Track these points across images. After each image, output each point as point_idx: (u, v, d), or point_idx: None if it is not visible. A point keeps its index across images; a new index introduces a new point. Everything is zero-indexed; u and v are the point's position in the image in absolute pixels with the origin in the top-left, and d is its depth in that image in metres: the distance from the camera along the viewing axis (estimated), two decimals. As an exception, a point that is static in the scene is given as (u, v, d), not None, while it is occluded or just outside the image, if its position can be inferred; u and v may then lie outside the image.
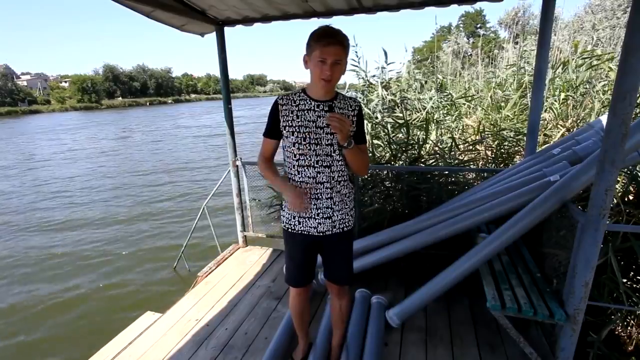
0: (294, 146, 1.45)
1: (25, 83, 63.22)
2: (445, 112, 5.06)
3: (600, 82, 4.08)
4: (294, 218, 1.55)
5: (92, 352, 2.13)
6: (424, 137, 3.60)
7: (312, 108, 1.44)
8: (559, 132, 3.79)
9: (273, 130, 1.49)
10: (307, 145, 1.43)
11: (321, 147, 1.44)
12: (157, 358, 2.03)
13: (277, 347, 1.97)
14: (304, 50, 1.41)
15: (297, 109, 1.45)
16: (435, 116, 4.84)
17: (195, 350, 2.08)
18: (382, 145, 3.95)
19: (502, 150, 3.81)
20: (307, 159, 1.45)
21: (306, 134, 1.43)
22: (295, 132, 1.43)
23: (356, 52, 4.90)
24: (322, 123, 1.43)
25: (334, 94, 1.47)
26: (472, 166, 3.44)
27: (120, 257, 5.21)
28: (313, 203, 1.50)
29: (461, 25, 36.20)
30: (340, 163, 1.49)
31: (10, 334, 3.61)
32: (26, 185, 9.88)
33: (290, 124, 1.45)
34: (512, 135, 3.96)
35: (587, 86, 4.13)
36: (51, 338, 3.54)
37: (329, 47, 1.30)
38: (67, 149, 16.13)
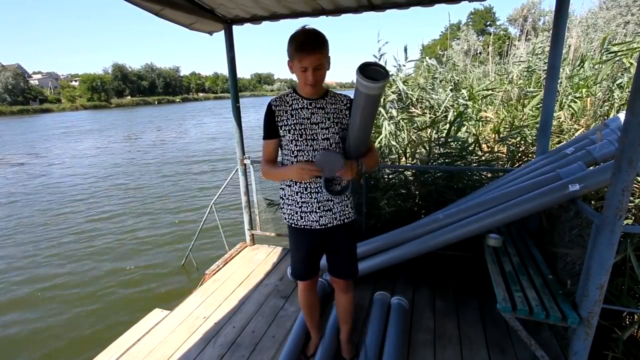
0: (291, 143, 1.49)
1: (36, 82, 64.27)
2: (462, 109, 4.98)
3: (618, 79, 3.95)
4: (296, 213, 1.57)
5: (101, 349, 2.15)
6: (453, 136, 3.55)
7: (305, 106, 1.49)
8: (576, 131, 3.70)
9: (272, 131, 1.52)
10: (304, 141, 1.48)
11: (317, 142, 1.48)
12: (165, 355, 2.04)
13: (293, 345, 1.97)
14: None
15: (290, 108, 1.49)
16: (449, 115, 4.77)
17: (203, 347, 2.08)
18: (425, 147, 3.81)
19: (520, 149, 3.74)
20: (305, 154, 1.49)
21: (302, 130, 1.48)
22: (292, 130, 1.48)
23: (379, 49, 4.87)
24: (316, 119, 1.48)
25: (323, 91, 1.53)
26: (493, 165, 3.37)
27: (128, 254, 5.27)
28: (314, 197, 1.53)
29: (470, 22, 35.81)
30: None
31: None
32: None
33: (286, 123, 1.49)
34: (533, 134, 3.88)
35: (605, 83, 4.00)
36: (54, 332, 3.61)
37: (307, 56, 1.33)
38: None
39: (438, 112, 4.77)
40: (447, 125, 3.89)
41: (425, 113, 4.92)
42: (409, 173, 3.26)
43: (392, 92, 4.90)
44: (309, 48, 1.32)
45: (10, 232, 6.30)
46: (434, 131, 4.00)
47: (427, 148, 3.42)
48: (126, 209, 7.35)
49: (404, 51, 5.17)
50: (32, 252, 5.43)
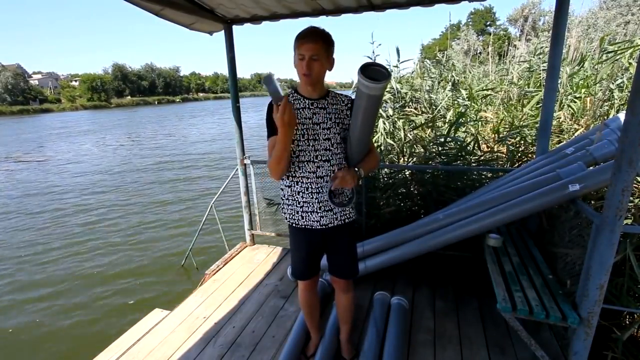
0: (293, 143, 1.47)
1: (36, 82, 64.21)
2: (461, 110, 5.00)
3: (618, 79, 3.95)
4: (297, 213, 1.57)
5: (101, 349, 2.15)
6: (452, 135, 3.55)
7: (307, 106, 1.49)
8: (576, 131, 3.70)
9: (275, 127, 1.46)
10: (305, 141, 1.47)
11: (319, 142, 1.48)
12: (165, 355, 2.04)
13: (293, 345, 1.97)
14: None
15: (292, 107, 1.45)
16: (449, 115, 4.79)
17: (203, 347, 2.09)
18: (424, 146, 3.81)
19: (520, 148, 3.74)
20: (306, 154, 1.48)
21: (304, 130, 1.47)
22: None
23: (373, 50, 4.88)
24: (318, 119, 1.48)
25: (325, 91, 1.53)
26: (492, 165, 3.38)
27: (129, 255, 5.26)
28: (314, 197, 1.52)
29: (470, 23, 35.82)
30: (339, 157, 1.52)
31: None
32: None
33: None
34: (532, 134, 3.88)
35: (605, 83, 4.00)
36: (53, 335, 3.60)
37: (305, 44, 1.37)
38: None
39: (435, 111, 4.79)
40: (446, 125, 3.90)
41: (424, 113, 4.93)
42: (407, 172, 3.26)
43: (387, 92, 4.92)
44: (308, 37, 1.37)
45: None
46: (432, 130, 4.02)
47: (426, 147, 3.43)
48: (124, 211, 7.33)
49: (397, 53, 5.21)
50: (24, 261, 5.28)
